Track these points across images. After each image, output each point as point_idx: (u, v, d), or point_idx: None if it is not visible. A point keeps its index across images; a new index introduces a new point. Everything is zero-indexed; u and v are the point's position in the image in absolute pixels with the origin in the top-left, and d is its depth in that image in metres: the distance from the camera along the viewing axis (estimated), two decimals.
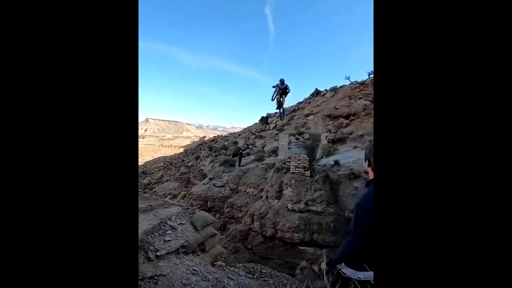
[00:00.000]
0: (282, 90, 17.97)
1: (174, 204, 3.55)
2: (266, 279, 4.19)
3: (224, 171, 13.88)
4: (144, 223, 2.87)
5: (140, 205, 3.31)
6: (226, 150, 19.12)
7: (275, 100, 20.53)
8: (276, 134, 19.06)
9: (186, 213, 3.24)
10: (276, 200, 9.52)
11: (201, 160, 20.76)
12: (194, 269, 3.19)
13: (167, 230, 2.84)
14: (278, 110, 22.33)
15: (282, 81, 17.27)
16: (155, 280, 2.59)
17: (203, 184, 13.97)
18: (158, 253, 2.67)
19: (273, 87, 19.62)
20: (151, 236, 2.71)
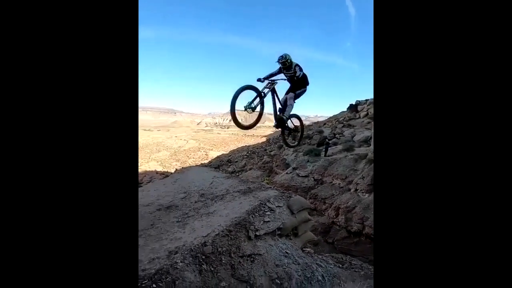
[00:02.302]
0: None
1: (271, 187, 3.88)
2: (356, 270, 4.15)
3: (308, 161, 13.87)
4: (245, 203, 3.26)
5: (239, 187, 3.74)
6: (310, 140, 19.01)
7: None
8: (368, 122, 17.76)
9: (283, 197, 3.50)
10: (367, 194, 9.05)
11: (284, 150, 21.17)
12: (286, 252, 3.43)
13: (266, 212, 3.15)
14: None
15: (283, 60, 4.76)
16: (252, 258, 2.90)
17: (286, 173, 14.31)
18: (257, 233, 3.00)
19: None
20: (252, 216, 3.07)
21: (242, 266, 2.76)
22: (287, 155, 18.44)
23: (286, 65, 4.47)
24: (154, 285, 2.08)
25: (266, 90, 4.27)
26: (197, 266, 2.42)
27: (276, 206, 3.30)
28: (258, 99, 4.05)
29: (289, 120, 4.45)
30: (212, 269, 2.50)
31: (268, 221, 3.12)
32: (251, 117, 4.09)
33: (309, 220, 3.43)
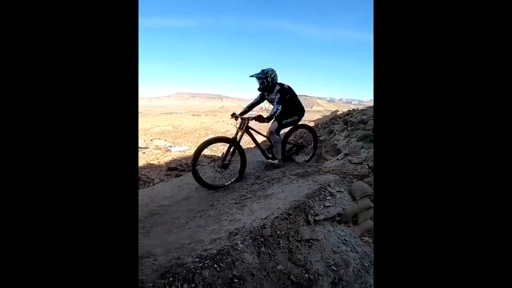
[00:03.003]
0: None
1: (329, 172, 3.72)
2: None
3: (362, 147, 13.19)
4: (304, 187, 3.17)
5: (296, 171, 3.66)
6: (364, 125, 17.99)
7: None
8: None
9: (344, 181, 3.34)
10: None
11: (335, 135, 20.42)
12: (345, 239, 3.28)
13: (327, 196, 3.03)
14: None
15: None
16: (310, 243, 2.82)
17: (337, 159, 13.80)
18: (316, 218, 2.91)
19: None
20: (312, 200, 2.98)
21: (299, 251, 2.70)
22: (337, 140, 17.76)
23: (265, 85, 3.61)
24: (215, 265, 2.12)
25: (238, 136, 3.42)
26: (256, 248, 2.42)
27: (336, 191, 3.15)
28: (230, 155, 3.36)
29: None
30: (270, 251, 2.48)
31: (329, 206, 3.00)
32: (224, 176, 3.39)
33: (370, 208, 3.22)
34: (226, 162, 3.33)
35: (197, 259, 2.14)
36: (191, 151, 35.03)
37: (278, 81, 3.71)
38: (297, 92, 3.87)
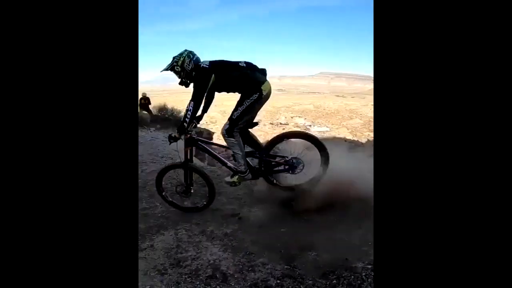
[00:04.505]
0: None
1: None
2: None
3: None
4: None
5: None
6: None
7: None
8: None
9: None
10: None
11: None
12: None
13: None
14: None
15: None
16: None
17: None
18: None
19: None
20: None
21: None
22: None
23: (182, 78, 2.62)
24: None
25: (188, 155, 2.85)
26: None
27: None
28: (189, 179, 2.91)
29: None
30: None
31: None
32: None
33: None
34: (184, 188, 2.96)
35: (369, 266, 1.82)
36: (331, 133, 34.45)
37: (208, 61, 2.62)
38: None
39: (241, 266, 2.27)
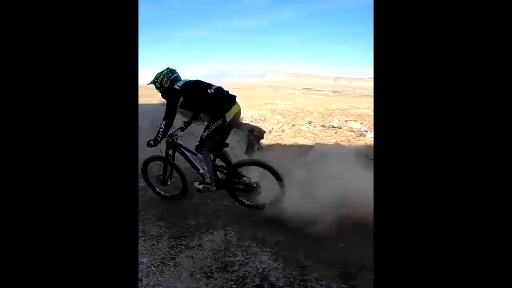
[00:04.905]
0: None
1: None
2: None
3: None
4: None
5: None
6: None
7: None
8: None
9: None
10: None
11: None
12: None
13: None
14: None
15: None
16: None
17: None
18: None
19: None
20: None
21: None
22: None
23: (159, 87, 2.92)
24: None
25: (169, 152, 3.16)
26: None
27: None
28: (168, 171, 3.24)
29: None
30: None
31: None
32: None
33: None
34: (162, 179, 3.27)
35: None
36: None
37: (184, 81, 2.86)
38: None
39: (292, 279, 2.08)
